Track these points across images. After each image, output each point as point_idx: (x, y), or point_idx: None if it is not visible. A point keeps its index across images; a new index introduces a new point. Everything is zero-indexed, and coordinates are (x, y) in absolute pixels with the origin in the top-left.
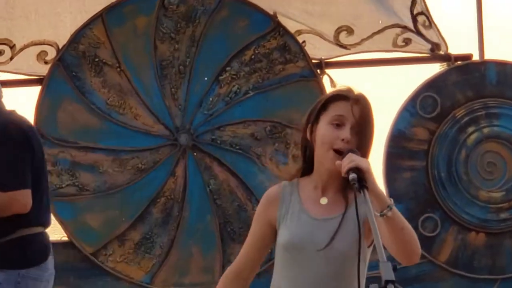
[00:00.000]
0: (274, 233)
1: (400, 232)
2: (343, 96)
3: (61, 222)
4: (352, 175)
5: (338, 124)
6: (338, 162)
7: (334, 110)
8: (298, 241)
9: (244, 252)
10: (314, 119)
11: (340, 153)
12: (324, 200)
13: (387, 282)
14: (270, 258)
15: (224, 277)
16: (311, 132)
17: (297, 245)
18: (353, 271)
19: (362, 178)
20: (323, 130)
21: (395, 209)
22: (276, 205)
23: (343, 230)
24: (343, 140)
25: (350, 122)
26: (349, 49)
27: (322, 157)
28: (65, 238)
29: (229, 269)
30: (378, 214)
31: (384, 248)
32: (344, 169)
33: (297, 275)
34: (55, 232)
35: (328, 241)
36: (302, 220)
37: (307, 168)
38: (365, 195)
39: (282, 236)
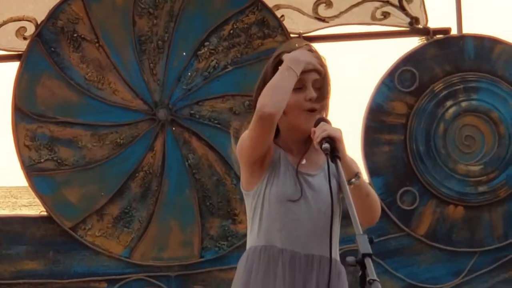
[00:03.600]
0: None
1: (365, 199)
2: None
3: (40, 197)
4: (325, 145)
5: (299, 88)
6: (312, 129)
7: None
8: (292, 197)
9: None
10: None
11: (312, 111)
12: (303, 160)
13: (364, 255)
14: None
15: None
16: None
17: (292, 200)
18: (337, 228)
19: (334, 147)
20: None
21: (361, 177)
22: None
23: (325, 186)
24: (310, 100)
25: (310, 81)
26: (327, 22)
27: (295, 122)
28: (44, 213)
29: None
30: (346, 182)
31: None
32: (317, 139)
33: (292, 228)
34: (34, 206)
35: (317, 194)
36: (291, 177)
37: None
38: (337, 165)
39: (274, 192)
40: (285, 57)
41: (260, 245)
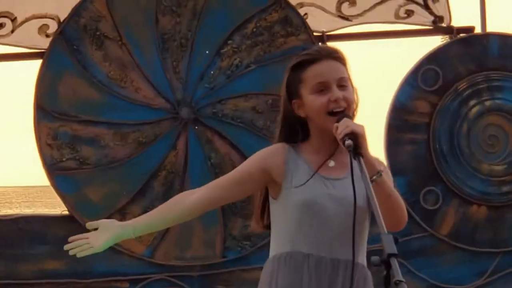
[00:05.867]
0: (265, 182)
1: (387, 199)
2: (313, 59)
3: (62, 196)
4: (348, 142)
5: (322, 90)
6: (335, 125)
7: (311, 79)
8: (319, 199)
9: (221, 185)
10: (295, 94)
11: (334, 114)
12: (331, 163)
13: (390, 255)
14: None
15: (186, 195)
16: (299, 107)
17: (318, 202)
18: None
19: (357, 144)
20: (310, 103)
21: (383, 176)
22: (282, 159)
23: (356, 188)
24: (335, 101)
25: (333, 82)
26: (350, 20)
27: (323, 125)
28: (66, 212)
29: (194, 194)
30: (369, 180)
31: None
32: (340, 135)
33: (318, 231)
34: (56, 206)
35: (345, 197)
36: (316, 179)
37: (297, 137)
38: (360, 162)
39: (300, 195)
40: None
41: (285, 252)
